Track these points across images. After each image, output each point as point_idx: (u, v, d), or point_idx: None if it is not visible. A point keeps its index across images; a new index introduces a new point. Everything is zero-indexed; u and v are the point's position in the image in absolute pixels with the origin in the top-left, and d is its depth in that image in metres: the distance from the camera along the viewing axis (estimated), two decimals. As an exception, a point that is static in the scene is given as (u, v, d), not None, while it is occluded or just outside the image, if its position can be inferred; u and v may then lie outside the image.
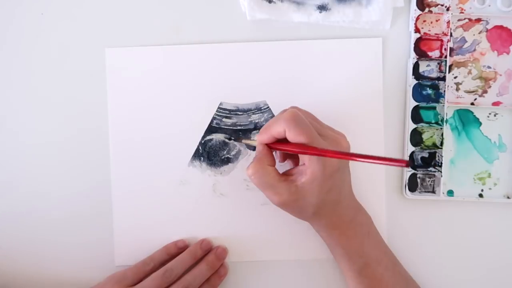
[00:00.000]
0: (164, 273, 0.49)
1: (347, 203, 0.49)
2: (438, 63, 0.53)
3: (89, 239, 0.54)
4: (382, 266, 0.49)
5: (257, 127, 0.54)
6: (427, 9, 0.53)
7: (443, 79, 0.53)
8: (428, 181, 0.54)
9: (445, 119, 0.53)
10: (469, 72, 0.54)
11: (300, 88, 0.54)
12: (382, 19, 0.53)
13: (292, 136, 0.45)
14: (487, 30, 0.54)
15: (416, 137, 0.53)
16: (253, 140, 0.49)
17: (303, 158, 0.46)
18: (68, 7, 0.54)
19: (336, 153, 0.43)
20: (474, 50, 0.54)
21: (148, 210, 0.53)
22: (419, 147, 0.53)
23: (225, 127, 0.54)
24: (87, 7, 0.54)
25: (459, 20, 0.54)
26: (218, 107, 0.54)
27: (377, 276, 0.49)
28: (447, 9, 0.53)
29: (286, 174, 0.47)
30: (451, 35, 0.53)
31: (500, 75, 0.54)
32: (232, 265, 0.53)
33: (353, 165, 0.53)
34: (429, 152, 0.53)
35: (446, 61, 0.53)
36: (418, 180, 0.54)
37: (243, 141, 0.53)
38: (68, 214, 0.54)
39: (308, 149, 0.44)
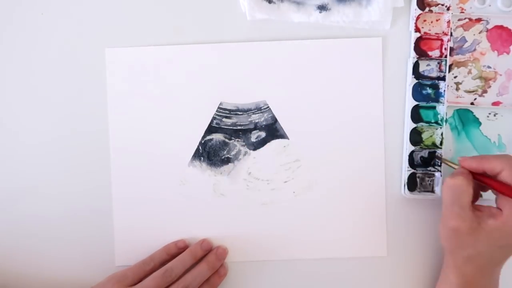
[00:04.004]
0: (164, 273, 0.50)
1: (497, 275, 0.48)
2: (438, 63, 0.53)
3: (90, 239, 0.54)
4: None
5: (257, 127, 0.54)
6: (427, 9, 0.53)
7: (443, 78, 0.53)
8: (428, 181, 0.54)
9: (444, 118, 0.53)
10: (469, 72, 0.54)
11: (300, 88, 0.54)
12: (382, 19, 0.53)
13: (507, 177, 0.45)
14: (487, 30, 0.54)
15: (415, 137, 0.53)
16: (455, 164, 0.49)
17: (503, 204, 0.45)
18: (68, 7, 0.54)
19: None
20: (474, 50, 0.54)
21: (148, 210, 0.54)
22: (418, 146, 0.53)
23: (225, 127, 0.54)
24: (87, 7, 0.54)
25: (459, 19, 0.54)
26: (218, 107, 0.54)
27: None
28: (448, 9, 0.53)
29: (476, 209, 0.47)
30: (451, 34, 0.53)
31: (500, 75, 0.54)
32: (232, 265, 0.54)
33: (353, 163, 0.53)
34: (428, 152, 0.54)
35: (446, 60, 0.53)
36: (418, 180, 0.54)
37: (444, 160, 0.52)
38: (68, 214, 0.54)
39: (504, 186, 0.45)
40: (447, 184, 0.46)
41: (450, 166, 0.50)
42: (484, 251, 0.46)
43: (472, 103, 0.54)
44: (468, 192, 0.46)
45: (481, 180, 0.47)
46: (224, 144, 0.54)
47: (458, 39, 0.54)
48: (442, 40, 0.53)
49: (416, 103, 0.53)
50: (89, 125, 0.54)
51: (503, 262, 0.48)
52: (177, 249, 0.53)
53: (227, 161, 0.54)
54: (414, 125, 0.53)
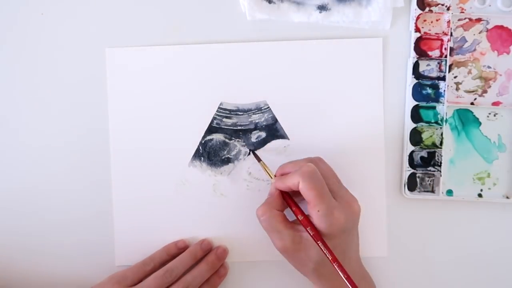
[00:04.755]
0: (164, 273, 0.50)
1: (351, 268, 0.48)
2: (438, 63, 0.53)
3: (90, 239, 0.54)
4: None
5: (257, 127, 0.54)
6: (427, 9, 0.53)
7: (443, 78, 0.53)
8: (428, 181, 0.54)
9: (444, 118, 0.53)
10: (469, 72, 0.54)
11: (300, 88, 0.54)
12: (382, 19, 0.53)
13: (303, 189, 0.45)
14: (487, 30, 0.54)
15: (415, 137, 0.53)
16: (271, 178, 0.50)
17: (311, 212, 0.46)
18: (68, 7, 0.54)
19: (314, 234, 0.45)
20: (474, 49, 0.54)
21: (148, 210, 0.54)
22: (418, 146, 0.53)
23: (225, 127, 0.54)
24: (87, 7, 0.54)
25: (459, 19, 0.54)
26: (218, 107, 0.54)
27: None
28: (448, 9, 0.53)
29: (295, 223, 0.48)
30: (451, 34, 0.53)
31: (500, 75, 0.54)
32: (232, 265, 0.54)
33: (353, 163, 0.53)
34: (428, 152, 0.54)
35: (446, 60, 0.53)
36: (418, 180, 0.54)
37: (262, 165, 0.52)
38: (68, 214, 0.54)
39: (305, 220, 0.46)
40: (258, 217, 0.48)
41: (267, 174, 0.51)
42: (321, 257, 0.46)
43: (472, 103, 0.54)
44: (276, 214, 0.47)
45: (287, 201, 0.49)
46: (224, 144, 0.54)
47: (458, 39, 0.54)
48: (442, 40, 0.53)
49: (416, 103, 0.53)
50: (89, 125, 0.54)
51: (350, 253, 0.48)
52: (177, 249, 0.52)
53: (227, 161, 0.54)
54: (414, 125, 0.53)
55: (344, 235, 0.47)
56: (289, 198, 0.49)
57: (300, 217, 0.47)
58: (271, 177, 0.50)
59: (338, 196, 0.47)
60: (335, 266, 0.44)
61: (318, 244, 0.45)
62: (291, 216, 0.48)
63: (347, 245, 0.48)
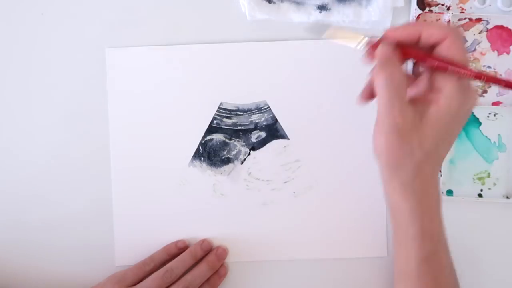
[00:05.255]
0: (164, 273, 0.50)
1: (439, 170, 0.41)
2: (438, 63, 0.53)
3: (89, 239, 0.54)
4: (448, 256, 0.43)
5: (257, 127, 0.54)
6: (427, 9, 0.53)
7: (443, 79, 0.53)
8: (428, 181, 0.54)
9: (445, 119, 0.53)
10: (469, 72, 0.54)
11: (300, 88, 0.54)
12: (382, 19, 0.53)
13: (452, 47, 0.38)
14: (487, 30, 0.54)
15: (416, 137, 0.53)
16: (360, 36, 0.40)
17: (442, 82, 0.39)
18: (68, 7, 0.54)
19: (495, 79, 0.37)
20: (474, 50, 0.54)
21: (148, 210, 0.54)
22: (419, 147, 0.53)
23: (225, 127, 0.54)
24: (87, 7, 0.54)
25: (459, 19, 0.54)
26: (218, 107, 0.54)
27: (442, 266, 0.42)
28: (448, 9, 0.53)
29: (414, 99, 0.40)
30: (451, 34, 0.53)
31: (500, 75, 0.54)
32: (232, 265, 0.54)
33: (353, 163, 0.53)
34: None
35: (446, 61, 0.53)
36: (418, 180, 0.54)
37: (335, 29, 0.42)
38: (68, 214, 0.54)
39: (462, 67, 0.37)
40: (382, 76, 0.38)
41: (346, 39, 0.41)
42: (432, 150, 0.39)
43: (472, 103, 0.54)
44: (405, 80, 0.39)
45: (416, 56, 0.40)
46: (224, 144, 0.54)
47: (458, 39, 0.54)
48: (442, 40, 0.53)
49: (416, 103, 0.53)
50: (89, 125, 0.54)
51: (445, 156, 0.42)
52: (177, 250, 0.52)
53: (227, 161, 0.54)
54: (414, 125, 0.53)
55: (463, 123, 0.41)
56: (415, 51, 0.39)
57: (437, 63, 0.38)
58: (358, 38, 0.41)
59: None
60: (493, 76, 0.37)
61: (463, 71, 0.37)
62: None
63: (457, 137, 0.42)
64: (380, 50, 0.41)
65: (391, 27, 0.41)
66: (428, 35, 0.39)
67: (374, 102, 0.43)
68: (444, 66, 0.39)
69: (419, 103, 0.40)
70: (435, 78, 0.40)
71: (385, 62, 0.40)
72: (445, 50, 0.39)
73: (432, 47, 0.41)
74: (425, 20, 0.53)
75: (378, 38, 0.42)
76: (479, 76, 0.38)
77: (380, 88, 0.39)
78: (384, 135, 0.40)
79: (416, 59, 0.41)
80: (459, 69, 0.38)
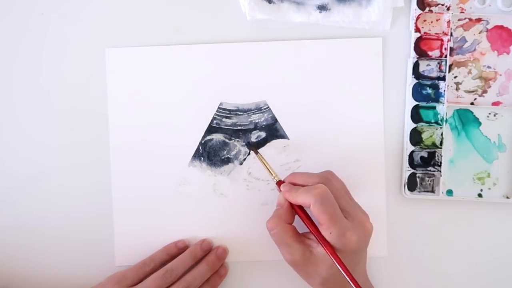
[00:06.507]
0: (164, 273, 0.50)
1: (359, 281, 0.47)
2: (438, 63, 0.53)
3: (90, 239, 0.54)
4: None
5: (257, 127, 0.54)
6: (427, 9, 0.53)
7: (443, 78, 0.53)
8: (428, 181, 0.54)
9: (444, 118, 0.53)
10: (469, 72, 0.54)
11: (300, 88, 0.54)
12: (382, 19, 0.53)
13: (315, 212, 0.45)
14: (487, 30, 0.54)
15: (415, 137, 0.53)
16: (271, 175, 0.50)
17: (324, 233, 0.46)
18: (68, 7, 0.54)
19: (334, 257, 0.45)
20: (474, 50, 0.54)
21: (148, 210, 0.54)
22: (418, 146, 0.53)
23: (225, 127, 0.54)
24: (87, 7, 0.54)
25: (459, 19, 0.54)
26: (218, 107, 0.54)
27: None
28: (448, 9, 0.53)
29: (305, 236, 0.48)
30: (451, 34, 0.53)
31: (500, 75, 0.54)
32: (232, 265, 0.54)
33: (353, 164, 0.53)
34: (428, 152, 0.54)
35: (446, 60, 0.53)
36: (418, 180, 0.54)
37: (260, 158, 0.51)
38: (68, 214, 0.54)
39: (319, 235, 0.46)
40: (268, 230, 0.48)
41: (266, 168, 0.50)
42: (330, 274, 0.46)
43: (472, 103, 0.54)
44: (287, 228, 0.47)
45: (299, 214, 0.48)
46: (224, 144, 0.54)
47: (458, 39, 0.54)
48: (442, 40, 0.53)
49: (416, 103, 0.53)
50: (89, 125, 0.54)
51: (358, 271, 0.48)
52: (177, 250, 0.52)
53: (227, 161, 0.54)
54: (414, 125, 0.53)
55: (354, 255, 0.47)
56: (301, 212, 0.48)
57: (312, 232, 0.47)
58: (272, 174, 0.50)
59: (350, 216, 0.47)
60: (350, 282, 0.44)
61: (332, 258, 0.45)
62: (301, 227, 0.48)
63: (356, 264, 0.48)
64: (280, 196, 0.49)
65: (289, 192, 0.48)
66: (302, 202, 0.46)
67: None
68: (311, 230, 0.47)
69: (311, 241, 0.47)
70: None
71: (278, 212, 0.48)
72: (315, 213, 0.45)
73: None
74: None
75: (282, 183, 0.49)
76: (326, 247, 0.46)
77: (272, 236, 0.48)
78: (287, 262, 0.48)
79: (297, 214, 0.48)
80: (317, 235, 0.46)
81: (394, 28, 0.54)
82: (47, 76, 0.54)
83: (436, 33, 0.53)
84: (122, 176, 0.54)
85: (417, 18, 0.53)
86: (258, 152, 0.52)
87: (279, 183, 0.49)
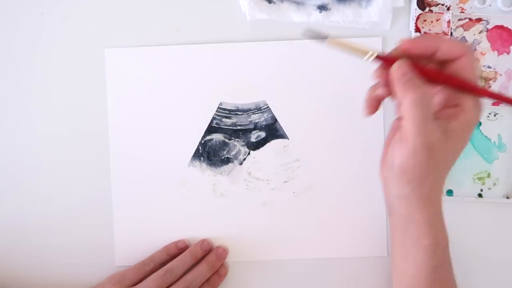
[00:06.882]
0: (164, 273, 0.50)
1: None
2: (438, 63, 0.53)
3: (90, 239, 0.54)
4: (451, 263, 0.45)
5: (257, 127, 0.54)
6: (427, 9, 0.53)
7: (443, 79, 0.53)
8: (428, 181, 0.54)
9: (445, 119, 0.53)
10: (469, 72, 0.54)
11: (300, 88, 0.54)
12: (382, 19, 0.53)
13: (469, 67, 0.39)
14: (487, 30, 0.54)
15: (416, 137, 0.53)
16: (367, 51, 0.40)
17: (459, 100, 0.40)
18: (68, 7, 0.54)
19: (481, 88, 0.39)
20: (474, 50, 0.54)
21: (148, 210, 0.54)
22: (418, 147, 0.53)
23: (225, 127, 0.54)
24: (86, 7, 0.54)
25: (459, 19, 0.54)
26: (218, 107, 0.54)
27: (449, 274, 0.45)
28: (448, 9, 0.53)
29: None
30: (451, 34, 0.53)
31: (500, 75, 0.54)
32: (232, 265, 0.54)
33: (353, 163, 0.53)
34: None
35: (446, 60, 0.53)
36: (418, 180, 0.54)
37: (336, 42, 0.41)
38: (68, 214, 0.54)
39: (477, 88, 0.39)
40: (412, 97, 0.39)
41: (350, 50, 0.41)
42: (452, 163, 0.41)
43: (472, 103, 0.54)
44: (432, 100, 0.40)
45: (434, 76, 0.41)
46: (224, 144, 0.54)
47: (458, 39, 0.54)
48: (442, 40, 0.53)
49: (416, 103, 0.53)
50: (89, 125, 0.54)
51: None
52: (177, 250, 0.52)
53: (227, 161, 0.54)
54: (414, 125, 0.53)
55: (469, 135, 0.42)
56: (434, 72, 0.40)
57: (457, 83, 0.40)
58: (365, 52, 0.41)
59: None
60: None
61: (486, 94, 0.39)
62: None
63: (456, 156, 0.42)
64: (399, 68, 0.41)
65: (405, 40, 0.40)
66: (447, 50, 0.40)
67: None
68: (467, 87, 0.41)
69: (440, 118, 0.41)
70: (452, 95, 0.42)
71: (410, 82, 0.40)
72: (460, 67, 0.40)
73: (442, 62, 0.41)
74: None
75: (389, 53, 0.42)
76: (495, 96, 0.41)
77: (410, 108, 0.39)
78: (412, 152, 0.39)
79: (436, 79, 0.41)
80: (480, 91, 0.40)
81: (394, 28, 0.54)
82: (47, 76, 0.54)
83: (436, 33, 0.53)
84: (122, 176, 0.54)
85: (417, 18, 0.53)
86: (328, 37, 0.42)
87: (387, 58, 0.40)
